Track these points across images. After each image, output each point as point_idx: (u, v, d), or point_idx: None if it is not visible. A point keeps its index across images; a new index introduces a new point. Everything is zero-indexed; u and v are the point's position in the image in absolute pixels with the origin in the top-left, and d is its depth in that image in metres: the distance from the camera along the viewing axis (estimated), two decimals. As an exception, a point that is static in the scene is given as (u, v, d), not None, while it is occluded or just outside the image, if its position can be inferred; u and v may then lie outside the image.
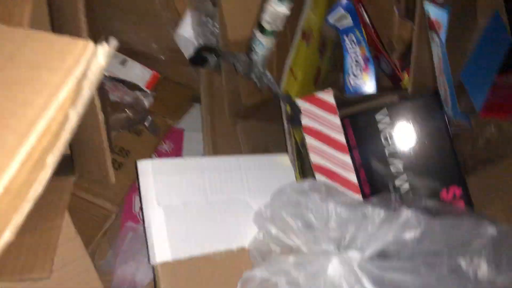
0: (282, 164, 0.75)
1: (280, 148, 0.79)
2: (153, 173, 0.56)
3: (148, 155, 0.87)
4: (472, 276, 0.55)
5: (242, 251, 0.62)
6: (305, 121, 0.75)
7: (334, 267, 0.54)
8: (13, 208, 0.24)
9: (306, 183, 0.65)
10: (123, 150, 0.85)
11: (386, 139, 0.76)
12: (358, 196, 0.72)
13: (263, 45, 0.76)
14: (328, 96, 0.73)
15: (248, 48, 0.76)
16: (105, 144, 0.58)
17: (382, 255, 0.57)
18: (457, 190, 0.73)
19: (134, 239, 0.77)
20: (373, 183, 0.76)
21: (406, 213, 0.56)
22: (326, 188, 0.65)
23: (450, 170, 0.73)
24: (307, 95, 0.75)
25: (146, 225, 0.55)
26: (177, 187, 0.58)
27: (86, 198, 0.79)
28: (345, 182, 0.73)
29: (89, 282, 0.58)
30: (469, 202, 0.73)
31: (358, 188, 0.72)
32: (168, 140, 0.92)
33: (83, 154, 0.65)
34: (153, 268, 0.54)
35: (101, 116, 0.56)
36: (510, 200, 0.84)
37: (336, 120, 0.73)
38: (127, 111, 0.83)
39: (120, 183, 0.83)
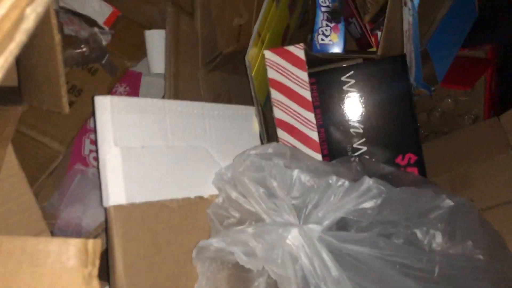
0: (247, 116, 0.72)
1: (242, 101, 0.76)
2: (111, 111, 0.52)
3: (102, 96, 0.82)
4: (427, 247, 0.56)
5: (200, 200, 0.59)
6: (272, 74, 0.72)
7: (293, 238, 0.52)
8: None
9: (271, 147, 0.63)
10: (75, 88, 0.79)
11: (349, 101, 0.75)
12: (319, 156, 0.71)
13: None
14: (298, 51, 0.71)
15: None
16: (61, 68, 0.52)
17: (342, 223, 0.56)
18: (412, 157, 0.74)
19: (82, 182, 0.73)
20: (332, 144, 0.75)
21: (368, 182, 0.55)
22: (291, 152, 0.63)
23: (409, 138, 0.73)
24: (277, 47, 0.72)
25: (100, 165, 0.51)
26: (136, 128, 0.54)
27: (32, 136, 0.74)
28: (306, 140, 0.72)
29: (32, 221, 0.54)
30: (422, 170, 0.75)
31: (319, 147, 0.71)
32: (124, 83, 0.86)
33: (33, 80, 0.58)
34: (106, 211, 0.51)
35: (57, 37, 0.50)
36: (457, 170, 0.88)
37: (304, 76, 0.71)
38: (83, 47, 0.77)
39: (70, 123, 0.77)
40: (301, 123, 0.71)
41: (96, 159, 0.79)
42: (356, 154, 0.74)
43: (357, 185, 0.55)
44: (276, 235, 0.51)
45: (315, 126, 0.71)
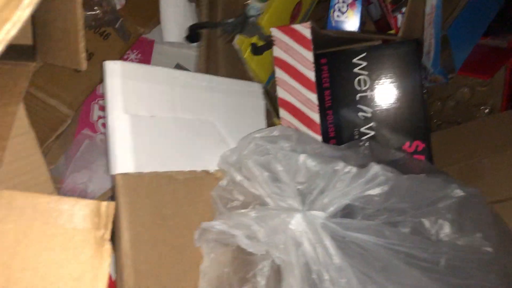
0: (253, 92, 0.71)
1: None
2: (121, 76, 0.50)
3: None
4: (435, 237, 0.55)
5: (206, 174, 0.58)
6: (277, 52, 0.71)
7: (296, 224, 0.51)
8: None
9: (276, 130, 0.61)
10: (87, 52, 0.78)
11: (359, 84, 0.73)
12: (319, 138, 0.70)
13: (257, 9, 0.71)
14: (305, 30, 0.69)
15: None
16: (80, 22, 0.51)
17: (348, 210, 0.55)
18: (420, 145, 0.73)
19: (89, 148, 0.73)
20: (339, 127, 0.74)
21: (374, 169, 0.54)
22: (297, 135, 0.61)
23: (417, 125, 0.72)
24: (284, 25, 0.71)
25: (109, 131, 0.50)
26: (145, 97, 0.53)
27: (40, 97, 0.73)
28: (308, 122, 0.71)
29: (40, 182, 0.53)
30: (429, 158, 0.73)
31: (319, 129, 0.70)
32: (136, 50, 0.85)
33: (50, 37, 0.57)
34: (112, 179, 0.51)
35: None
36: (468, 162, 0.86)
37: (309, 56, 0.69)
38: (96, 9, 0.75)
39: (79, 87, 0.76)
40: (304, 104, 0.70)
41: (105, 125, 0.79)
42: (363, 138, 0.73)
43: (363, 171, 0.54)
44: (279, 220, 0.51)
45: (317, 108, 0.70)
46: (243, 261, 0.54)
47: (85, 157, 0.72)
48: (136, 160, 0.51)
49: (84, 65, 0.53)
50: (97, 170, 0.70)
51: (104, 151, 0.73)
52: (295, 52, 0.70)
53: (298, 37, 0.69)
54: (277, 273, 0.53)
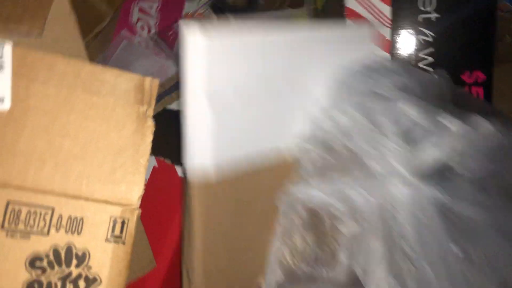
0: (364, 38, 0.58)
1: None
2: (207, 54, 0.37)
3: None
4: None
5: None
6: None
7: (401, 198, 0.41)
8: None
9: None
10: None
11: (424, 4, 0.65)
12: (387, 57, 0.62)
13: None
14: None
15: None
16: None
17: (444, 170, 0.44)
18: (480, 76, 0.66)
19: (127, 49, 0.67)
20: (396, 49, 0.67)
21: (485, 125, 0.43)
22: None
23: (481, 54, 0.64)
24: None
25: (187, 120, 0.38)
26: (231, 73, 0.40)
27: (79, -8, 0.67)
28: (376, 37, 0.63)
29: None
30: (488, 92, 0.65)
31: (389, 46, 0.63)
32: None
33: None
34: (185, 182, 0.40)
35: None
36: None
37: None
38: None
39: (120, -15, 0.71)
40: (374, 17, 0.62)
41: (143, 28, 0.73)
42: (420, 64, 0.66)
43: (472, 126, 0.43)
44: (382, 191, 0.41)
45: (390, 22, 0.62)
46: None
47: (123, 58, 0.67)
48: (216, 159, 0.40)
49: None
50: (135, 71, 0.65)
51: (142, 54, 0.68)
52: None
53: None
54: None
